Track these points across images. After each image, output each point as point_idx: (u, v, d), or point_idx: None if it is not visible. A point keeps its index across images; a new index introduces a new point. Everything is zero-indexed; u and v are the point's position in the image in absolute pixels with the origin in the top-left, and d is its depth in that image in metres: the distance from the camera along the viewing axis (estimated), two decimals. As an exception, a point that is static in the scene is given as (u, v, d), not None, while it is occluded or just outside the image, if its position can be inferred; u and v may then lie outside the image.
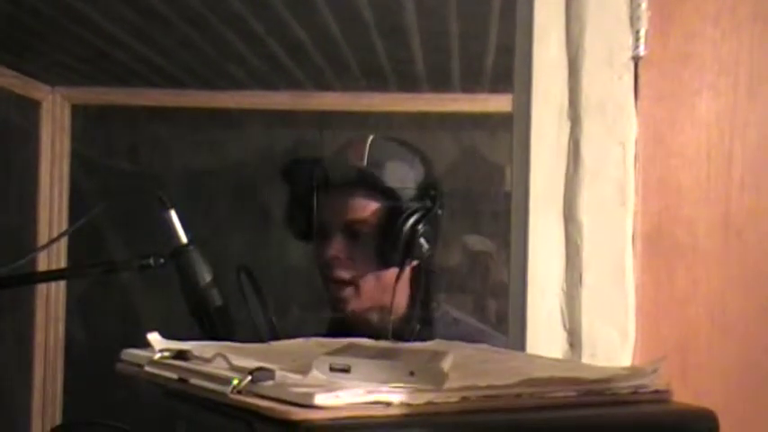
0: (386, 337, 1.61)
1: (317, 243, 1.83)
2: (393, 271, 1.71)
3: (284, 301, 3.03)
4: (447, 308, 1.85)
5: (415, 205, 1.71)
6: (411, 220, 1.69)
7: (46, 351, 3.19)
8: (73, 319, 3.23)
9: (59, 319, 3.21)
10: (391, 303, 1.70)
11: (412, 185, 1.74)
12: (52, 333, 3.19)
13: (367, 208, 1.74)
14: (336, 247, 1.77)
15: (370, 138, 1.79)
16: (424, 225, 1.70)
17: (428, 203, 1.72)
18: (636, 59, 1.18)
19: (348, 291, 1.77)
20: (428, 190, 1.72)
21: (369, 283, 1.75)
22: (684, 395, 0.88)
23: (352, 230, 1.76)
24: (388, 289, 1.71)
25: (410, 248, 1.69)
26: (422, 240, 1.70)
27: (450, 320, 1.81)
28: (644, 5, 1.17)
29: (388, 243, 1.70)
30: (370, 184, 1.73)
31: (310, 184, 1.78)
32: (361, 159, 1.74)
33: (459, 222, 3.16)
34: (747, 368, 1.18)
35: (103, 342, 2.99)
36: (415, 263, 1.74)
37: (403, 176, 1.75)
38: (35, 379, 3.18)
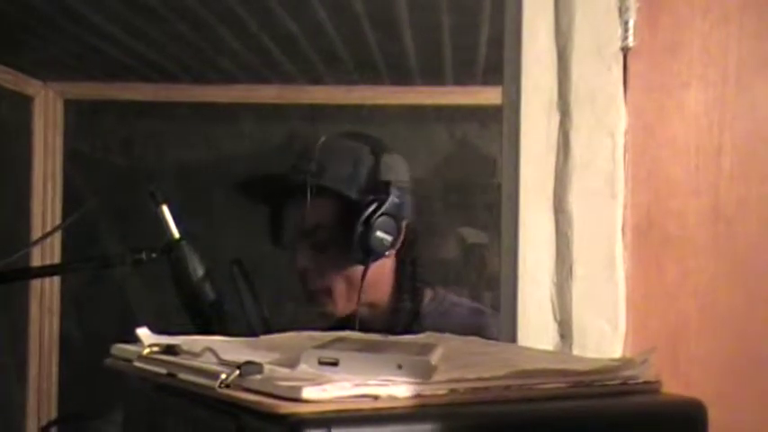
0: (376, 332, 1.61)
1: (291, 255, 1.85)
2: (361, 269, 1.71)
3: (277, 294, 3.03)
4: (445, 294, 1.84)
5: (368, 199, 1.69)
6: (363, 216, 1.68)
7: (40, 346, 3.19)
8: (67, 314, 3.23)
9: (54, 314, 3.21)
10: (357, 299, 1.69)
11: (363, 180, 1.72)
12: (47, 328, 3.19)
13: (318, 213, 1.74)
14: (303, 258, 1.78)
15: (321, 140, 1.79)
16: (379, 217, 1.68)
17: (381, 195, 1.69)
18: (625, 51, 1.18)
19: (323, 298, 1.79)
20: (378, 181, 1.71)
21: (340, 286, 1.76)
22: (675, 386, 0.89)
23: (313, 238, 1.77)
24: (367, 286, 1.72)
25: (367, 243, 1.68)
26: (379, 233, 1.68)
27: (448, 305, 1.81)
28: (632, -4, 1.17)
29: (345, 242, 1.70)
30: (317, 188, 1.72)
31: (272, 198, 1.79)
32: (308, 165, 1.75)
33: (453, 215, 3.16)
34: (737, 358, 1.18)
35: (98, 337, 2.98)
36: (389, 255, 1.73)
37: (350, 174, 1.73)
38: (30, 374, 3.18)
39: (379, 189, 1.70)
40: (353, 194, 1.71)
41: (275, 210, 1.84)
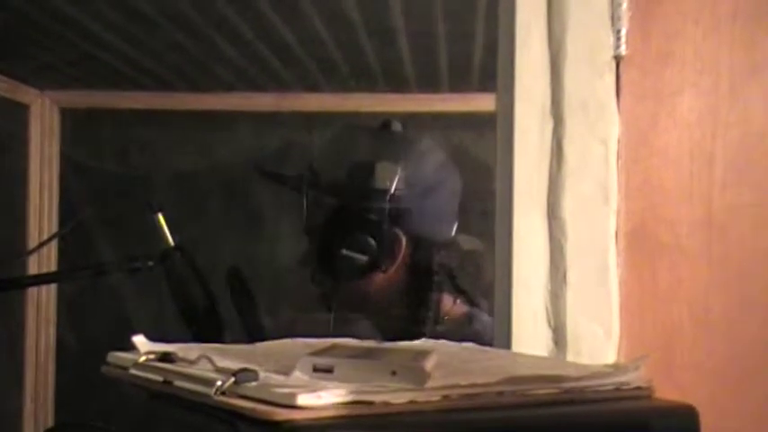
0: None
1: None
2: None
3: (274, 301, 3.03)
4: (479, 312, 1.77)
5: (352, 209, 1.63)
6: (333, 232, 1.62)
7: (37, 354, 3.19)
8: (64, 321, 3.23)
9: (50, 322, 3.21)
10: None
11: (355, 188, 1.66)
12: (43, 336, 3.19)
13: (314, 215, 1.71)
14: (303, 255, 1.77)
15: (336, 132, 1.75)
16: (348, 235, 1.62)
17: (365, 206, 1.63)
18: (617, 59, 1.19)
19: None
20: (371, 190, 1.65)
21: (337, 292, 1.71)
22: (669, 391, 0.89)
23: (310, 238, 1.75)
24: (369, 298, 1.70)
25: (333, 261, 1.62)
26: (344, 252, 1.61)
27: (478, 328, 1.75)
28: (625, 5, 1.18)
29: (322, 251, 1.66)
30: (310, 192, 1.69)
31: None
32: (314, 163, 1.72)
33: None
34: (730, 364, 1.19)
35: (94, 345, 2.98)
36: (386, 270, 1.67)
37: (348, 178, 1.66)
38: (26, 382, 3.18)
39: (372, 198, 1.65)
40: (343, 200, 1.66)
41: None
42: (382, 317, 1.77)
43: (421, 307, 1.72)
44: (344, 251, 1.62)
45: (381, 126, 1.80)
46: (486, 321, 1.74)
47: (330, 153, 1.84)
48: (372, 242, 1.64)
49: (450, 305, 1.76)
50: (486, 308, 1.79)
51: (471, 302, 1.78)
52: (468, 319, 1.75)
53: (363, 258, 1.63)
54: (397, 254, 1.68)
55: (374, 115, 3.13)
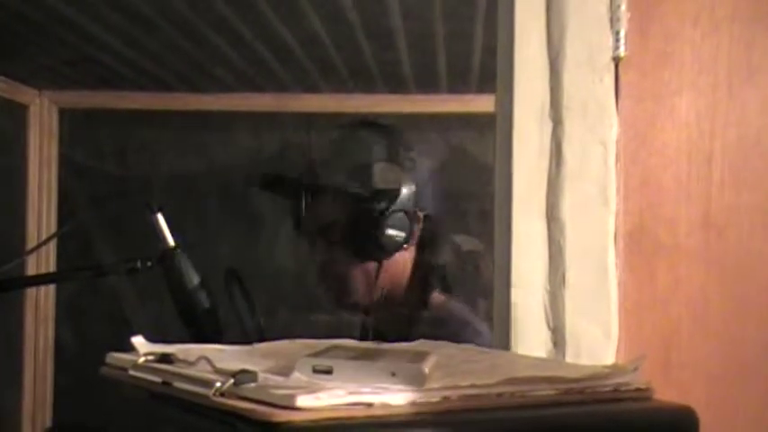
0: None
1: (310, 249, 1.84)
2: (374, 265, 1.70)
3: (273, 302, 3.03)
4: (458, 309, 1.81)
5: (380, 194, 1.68)
6: (372, 213, 1.67)
7: (35, 354, 3.19)
8: (62, 322, 3.23)
9: (49, 322, 3.21)
10: (371, 295, 1.67)
11: (376, 175, 1.70)
12: (42, 337, 3.19)
13: (333, 210, 1.74)
14: (320, 252, 1.78)
15: (335, 134, 1.78)
16: (390, 215, 1.67)
17: (393, 189, 1.68)
18: (616, 60, 1.19)
19: (340, 292, 1.79)
20: (390, 175, 1.69)
21: (356, 280, 1.75)
22: (667, 392, 0.89)
23: (329, 234, 1.77)
24: (383, 279, 1.72)
25: (378, 241, 1.67)
26: (389, 231, 1.67)
27: (455, 324, 1.78)
28: (623, 7, 1.18)
29: (358, 240, 1.69)
30: (330, 187, 1.72)
31: (292, 194, 1.79)
32: (317, 164, 1.74)
33: (448, 222, 3.16)
34: (728, 364, 1.19)
35: (93, 345, 2.98)
36: (406, 248, 1.71)
37: (363, 169, 1.71)
38: (25, 382, 3.18)
39: (392, 182, 1.69)
40: (365, 191, 1.70)
41: (296, 204, 1.81)
42: (389, 302, 1.78)
43: (418, 291, 1.75)
44: (389, 231, 1.66)
45: (366, 124, 1.83)
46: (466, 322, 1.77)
47: (331, 158, 1.85)
48: (406, 219, 1.68)
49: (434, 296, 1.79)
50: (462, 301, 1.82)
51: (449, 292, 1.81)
52: (448, 313, 1.78)
53: (403, 236, 1.67)
54: (416, 230, 1.72)
55: (373, 116, 3.14)
